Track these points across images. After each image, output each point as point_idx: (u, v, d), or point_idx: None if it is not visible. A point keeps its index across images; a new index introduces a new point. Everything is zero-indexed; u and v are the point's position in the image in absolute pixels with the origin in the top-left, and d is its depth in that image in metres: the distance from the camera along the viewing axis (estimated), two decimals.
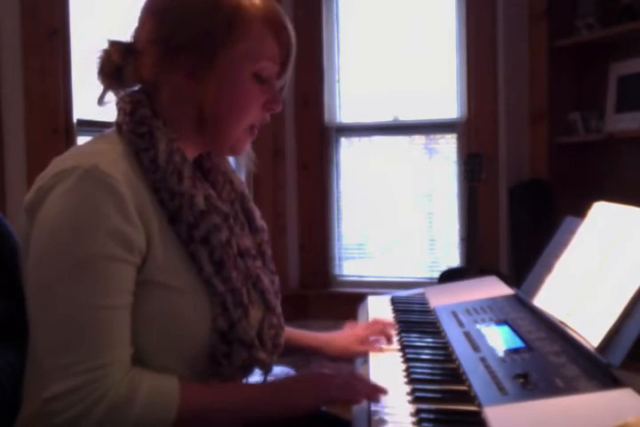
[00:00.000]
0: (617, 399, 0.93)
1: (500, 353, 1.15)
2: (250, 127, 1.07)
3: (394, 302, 1.60)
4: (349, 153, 3.42)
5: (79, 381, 0.87)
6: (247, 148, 1.11)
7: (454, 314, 1.42)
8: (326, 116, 3.35)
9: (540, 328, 1.24)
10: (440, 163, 3.32)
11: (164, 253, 0.95)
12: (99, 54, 1.02)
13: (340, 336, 1.34)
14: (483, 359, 1.12)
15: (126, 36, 1.04)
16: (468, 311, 1.42)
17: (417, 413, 0.94)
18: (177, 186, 0.97)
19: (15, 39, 2.40)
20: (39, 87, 2.43)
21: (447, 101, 3.24)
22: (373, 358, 1.24)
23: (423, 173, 3.31)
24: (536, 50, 3.00)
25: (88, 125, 2.55)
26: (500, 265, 3.05)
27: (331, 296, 3.32)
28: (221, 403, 0.96)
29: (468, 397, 1.00)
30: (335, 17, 3.37)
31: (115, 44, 1.02)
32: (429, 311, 1.51)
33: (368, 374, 1.16)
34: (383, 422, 0.93)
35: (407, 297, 1.66)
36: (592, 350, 1.06)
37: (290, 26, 1.05)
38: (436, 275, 3.06)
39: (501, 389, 1.00)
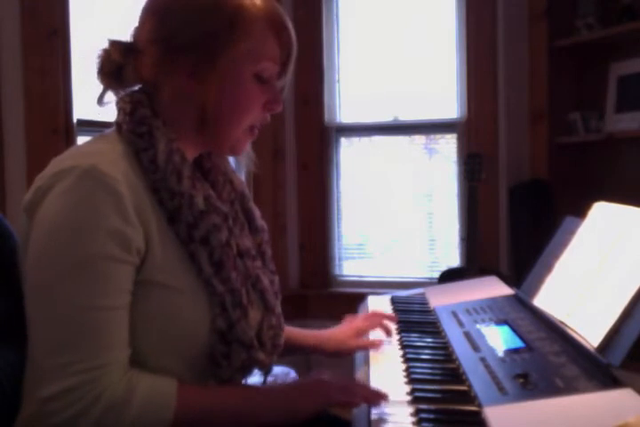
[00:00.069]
0: (617, 399, 0.93)
1: (500, 353, 1.15)
2: (250, 127, 1.07)
3: (394, 302, 1.60)
4: (349, 153, 3.41)
5: (77, 380, 0.87)
6: (247, 148, 1.11)
7: (454, 314, 1.42)
8: (326, 116, 3.35)
9: (540, 328, 1.24)
10: (440, 163, 3.32)
11: (163, 253, 0.95)
12: (98, 54, 1.02)
13: (338, 332, 1.35)
14: (483, 359, 1.12)
15: (126, 35, 1.04)
16: (467, 311, 1.42)
17: (417, 413, 0.94)
18: (176, 186, 0.97)
19: (15, 39, 2.40)
20: (39, 87, 2.43)
21: (447, 101, 3.24)
22: (373, 358, 1.24)
23: (423, 173, 3.31)
24: (536, 50, 3.00)
25: (88, 125, 2.55)
26: (500, 265, 3.05)
27: (331, 296, 3.32)
28: (220, 406, 0.96)
29: (468, 397, 1.00)
30: (335, 17, 3.37)
31: (115, 44, 1.02)
32: (429, 311, 1.51)
33: (368, 374, 1.16)
34: (383, 422, 0.93)
35: (407, 297, 1.66)
36: (592, 350, 1.06)
37: (291, 26, 1.05)
38: (436, 275, 3.06)
39: (501, 389, 1.00)
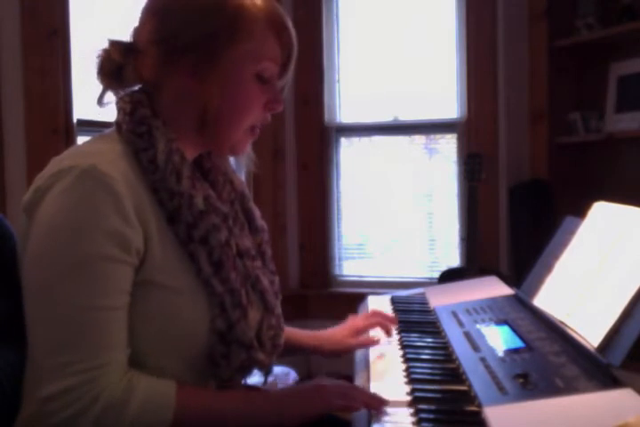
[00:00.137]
0: (617, 399, 0.93)
1: (500, 353, 1.15)
2: (251, 127, 1.07)
3: (394, 301, 1.60)
4: (349, 153, 3.42)
5: (76, 380, 0.87)
6: (247, 148, 1.11)
7: (454, 314, 1.42)
8: (326, 116, 3.35)
9: (540, 328, 1.24)
10: (440, 163, 3.32)
11: (162, 253, 0.95)
12: (98, 54, 1.02)
13: (337, 331, 1.36)
14: (483, 359, 1.12)
15: (126, 36, 1.04)
16: (467, 311, 1.42)
17: (417, 413, 0.94)
18: (176, 186, 0.97)
19: (15, 39, 2.40)
20: (39, 87, 2.43)
21: (447, 101, 3.24)
22: (373, 358, 1.24)
23: (423, 173, 3.31)
24: (536, 50, 3.00)
25: (88, 125, 2.55)
26: (500, 265, 3.05)
27: (331, 296, 3.32)
28: (220, 408, 0.96)
29: (468, 397, 1.00)
30: (335, 17, 3.37)
31: (115, 44, 1.02)
32: (429, 311, 1.51)
33: (368, 374, 1.16)
34: (383, 421, 0.93)
35: (407, 297, 1.66)
36: (592, 350, 1.06)
37: (291, 26, 1.05)
38: (436, 275, 3.06)
39: (501, 389, 1.00)
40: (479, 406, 0.96)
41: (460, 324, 1.35)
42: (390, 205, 3.36)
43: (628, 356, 1.00)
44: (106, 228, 0.90)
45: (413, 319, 1.45)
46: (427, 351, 1.23)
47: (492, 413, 0.93)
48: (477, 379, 1.05)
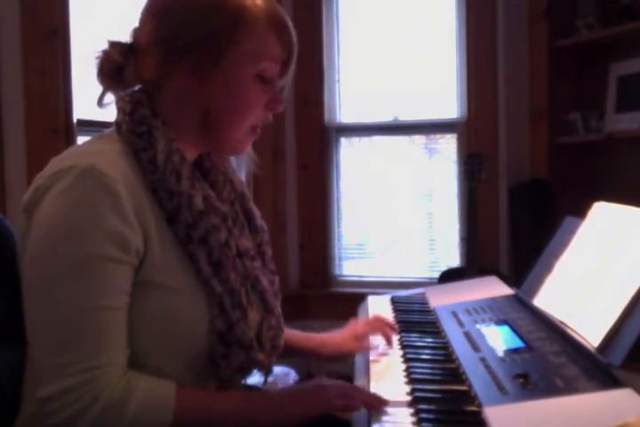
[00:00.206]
0: (617, 399, 0.93)
1: (500, 353, 1.15)
2: (252, 127, 1.07)
3: (394, 301, 1.60)
4: (349, 153, 3.42)
5: (75, 380, 0.87)
6: (248, 148, 1.11)
7: (454, 314, 1.42)
8: (326, 116, 3.35)
9: (540, 328, 1.24)
10: (440, 163, 3.32)
11: (161, 253, 0.95)
12: (98, 55, 1.02)
13: (337, 335, 1.34)
14: (483, 359, 1.12)
15: (126, 36, 1.04)
16: (467, 311, 1.42)
17: (417, 413, 0.94)
18: (175, 186, 0.97)
19: (15, 39, 2.40)
20: (39, 87, 2.43)
21: (447, 101, 3.24)
22: (373, 358, 1.24)
23: (423, 173, 3.31)
24: (536, 50, 3.00)
25: (88, 125, 2.55)
26: (500, 265, 3.05)
27: (331, 296, 3.32)
28: (219, 409, 0.96)
29: (468, 397, 1.00)
30: (335, 17, 3.37)
31: (115, 45, 1.02)
32: (429, 311, 1.51)
33: (368, 374, 1.16)
34: (383, 421, 0.93)
35: (407, 297, 1.66)
36: (592, 350, 1.06)
37: (291, 26, 1.05)
38: (436, 275, 3.06)
39: (501, 389, 1.00)
40: (479, 406, 0.96)
41: (460, 324, 1.35)
42: (390, 205, 3.36)
43: (628, 356, 1.00)
44: (105, 228, 0.90)
45: (413, 319, 1.45)
46: (427, 351, 1.23)
47: (492, 413, 0.93)
48: (477, 379, 1.05)
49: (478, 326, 1.31)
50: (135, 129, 0.99)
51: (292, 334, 1.29)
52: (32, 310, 0.93)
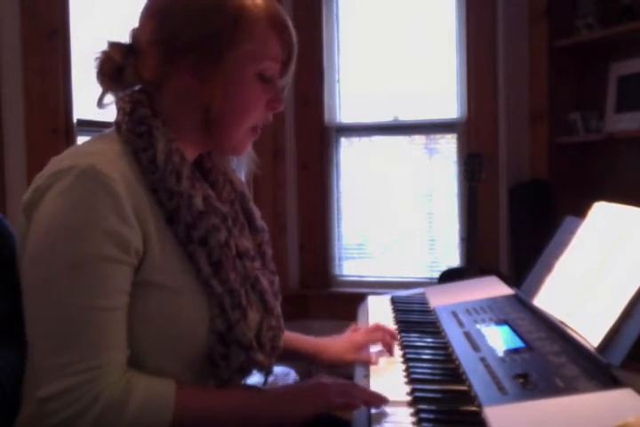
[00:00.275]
0: (617, 399, 0.93)
1: (500, 353, 1.15)
2: (252, 127, 1.07)
3: (394, 301, 1.60)
4: (349, 153, 3.42)
5: (75, 380, 0.87)
6: (249, 148, 1.11)
7: (454, 314, 1.42)
8: (326, 116, 3.35)
9: (540, 328, 1.24)
10: (440, 163, 3.32)
11: (161, 253, 0.95)
12: (97, 56, 1.02)
13: (338, 342, 1.31)
14: (483, 359, 1.12)
15: (125, 37, 1.04)
16: (467, 311, 1.42)
17: (417, 413, 0.94)
18: (175, 186, 0.97)
19: (15, 39, 2.40)
20: (39, 87, 2.43)
21: (447, 101, 3.24)
22: (374, 358, 1.24)
23: (423, 173, 3.31)
24: (536, 50, 3.00)
25: (88, 125, 2.55)
26: (500, 265, 3.05)
27: (331, 296, 3.32)
28: (219, 407, 0.96)
29: (468, 397, 1.00)
30: (335, 17, 3.37)
31: (115, 46, 1.02)
32: (429, 311, 1.51)
33: (368, 374, 1.15)
34: (383, 422, 0.93)
35: (407, 297, 1.66)
36: (592, 350, 1.06)
37: (291, 25, 1.05)
38: (436, 275, 3.06)
39: (501, 389, 1.00)
40: (479, 406, 0.96)
41: (460, 324, 1.35)
42: (390, 205, 3.36)
43: (628, 356, 1.00)
44: (105, 228, 0.90)
45: (413, 319, 1.45)
46: (427, 351, 1.23)
47: (492, 413, 0.93)
48: (477, 379, 1.05)
49: (478, 326, 1.31)
50: (135, 129, 0.99)
51: (292, 337, 1.28)
52: (32, 310, 0.93)
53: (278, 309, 1.11)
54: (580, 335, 1.13)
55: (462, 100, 3.18)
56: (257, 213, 1.18)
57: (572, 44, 2.91)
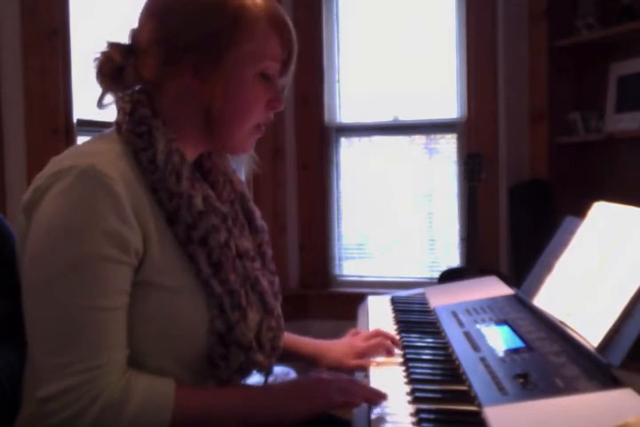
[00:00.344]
0: (617, 399, 0.93)
1: (500, 353, 1.15)
2: (256, 125, 1.07)
3: (394, 302, 1.60)
4: (349, 153, 3.41)
5: (75, 380, 0.87)
6: (253, 146, 1.11)
7: (454, 314, 1.42)
8: (326, 116, 3.35)
9: (540, 328, 1.24)
10: (440, 163, 3.32)
11: (161, 253, 0.95)
12: (96, 57, 1.02)
13: (338, 346, 1.30)
14: (483, 359, 1.12)
15: (125, 37, 1.04)
16: (467, 311, 1.42)
17: (417, 413, 0.94)
18: (175, 186, 0.97)
19: (15, 39, 2.40)
20: (39, 87, 2.43)
21: (447, 101, 3.24)
22: (374, 358, 1.24)
23: (423, 173, 3.31)
24: (536, 50, 3.00)
25: (88, 125, 2.55)
26: (500, 265, 3.05)
27: (331, 296, 3.32)
28: (219, 406, 0.96)
29: (468, 397, 1.00)
30: (335, 17, 3.37)
31: (115, 46, 1.02)
32: (429, 311, 1.51)
33: (368, 374, 1.15)
34: (383, 422, 0.93)
35: (407, 297, 1.66)
36: (592, 350, 1.06)
37: (291, 25, 1.05)
38: (436, 275, 3.06)
39: (501, 389, 1.00)
40: (479, 406, 0.96)
41: (460, 324, 1.35)
42: (390, 205, 3.36)
43: (628, 356, 1.00)
44: (105, 228, 0.90)
45: (413, 319, 1.45)
46: (427, 351, 1.23)
47: (492, 413, 0.93)
48: (477, 379, 1.05)
49: (478, 326, 1.31)
50: (135, 129, 0.99)
51: (292, 339, 1.28)
52: (32, 310, 0.93)
53: (278, 309, 1.10)
54: (579, 335, 1.13)
55: (462, 100, 3.18)
56: (257, 213, 1.18)
57: (572, 44, 2.91)
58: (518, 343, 1.18)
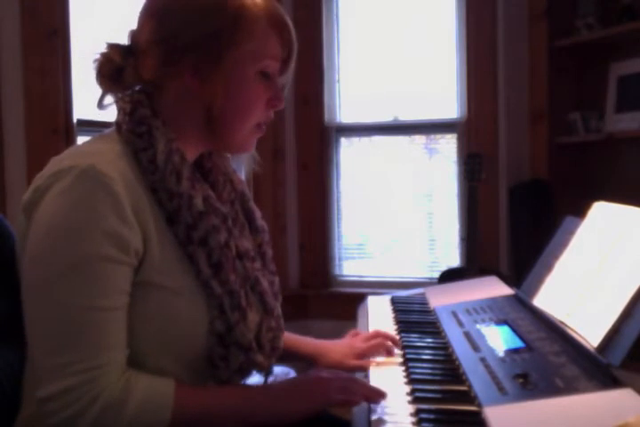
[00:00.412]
0: (617, 399, 0.93)
1: (500, 353, 1.15)
2: (257, 124, 1.07)
3: (394, 302, 1.60)
4: (349, 153, 3.42)
5: (75, 380, 0.87)
6: (254, 145, 1.11)
7: (454, 314, 1.42)
8: (326, 116, 3.35)
9: (540, 328, 1.24)
10: (440, 163, 3.32)
11: (161, 254, 0.95)
12: (96, 58, 1.02)
13: (338, 347, 1.30)
14: (483, 359, 1.12)
15: (124, 38, 1.04)
16: (468, 311, 1.42)
17: (417, 413, 0.94)
18: (175, 186, 0.97)
19: (15, 39, 2.40)
20: (39, 87, 2.43)
21: (447, 101, 3.24)
22: (373, 358, 1.24)
23: (423, 173, 3.31)
24: (536, 50, 3.00)
25: (88, 125, 2.55)
26: (500, 265, 3.05)
27: (331, 296, 3.32)
28: (218, 406, 0.96)
29: (468, 397, 1.00)
30: (335, 17, 3.37)
31: (114, 47, 1.02)
32: (429, 311, 1.51)
33: (368, 374, 1.15)
34: (383, 422, 0.93)
35: (407, 297, 1.66)
36: (592, 350, 1.06)
37: (291, 24, 1.05)
38: (436, 275, 3.06)
39: (501, 389, 1.00)
40: (479, 406, 0.96)
41: (460, 324, 1.35)
42: (390, 205, 3.36)
43: (628, 356, 1.00)
44: (104, 228, 0.90)
45: (413, 319, 1.45)
46: (427, 352, 1.23)
47: (492, 413, 0.93)
48: (477, 379, 1.05)
49: (478, 326, 1.31)
50: (135, 129, 0.99)
51: (292, 338, 1.28)
52: (32, 310, 0.93)
53: (278, 310, 1.10)
54: (579, 335, 1.13)
55: (462, 100, 3.18)
56: (257, 213, 1.18)
57: (572, 44, 2.91)
58: (518, 343, 1.18)
